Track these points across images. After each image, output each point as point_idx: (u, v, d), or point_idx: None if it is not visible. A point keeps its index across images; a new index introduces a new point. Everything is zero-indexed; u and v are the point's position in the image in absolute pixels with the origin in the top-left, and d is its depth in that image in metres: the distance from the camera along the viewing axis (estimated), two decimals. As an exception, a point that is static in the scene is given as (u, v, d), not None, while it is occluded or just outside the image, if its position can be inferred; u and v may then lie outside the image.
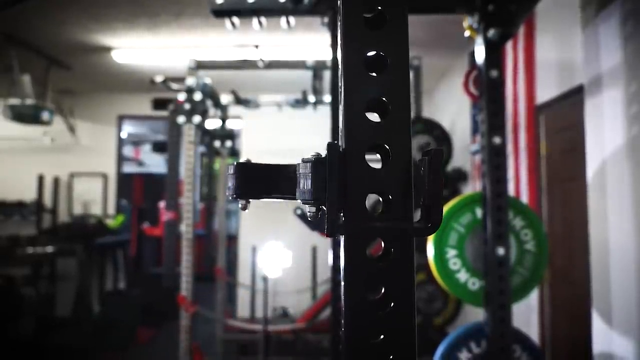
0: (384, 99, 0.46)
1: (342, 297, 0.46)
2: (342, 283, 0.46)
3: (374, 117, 0.46)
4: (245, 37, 3.72)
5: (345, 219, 0.44)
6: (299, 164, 0.50)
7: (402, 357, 0.44)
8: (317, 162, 0.45)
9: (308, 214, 0.49)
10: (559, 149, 2.57)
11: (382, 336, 0.44)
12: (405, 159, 0.45)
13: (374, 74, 0.46)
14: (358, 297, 0.45)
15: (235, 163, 0.59)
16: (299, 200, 0.54)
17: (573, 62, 2.30)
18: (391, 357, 0.44)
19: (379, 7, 0.46)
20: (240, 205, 0.58)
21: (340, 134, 0.47)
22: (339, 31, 0.48)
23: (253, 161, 0.59)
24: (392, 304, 0.44)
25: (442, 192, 0.43)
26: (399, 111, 0.46)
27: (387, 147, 0.45)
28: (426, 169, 0.44)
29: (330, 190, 0.44)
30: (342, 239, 0.47)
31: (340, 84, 0.47)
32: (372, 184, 0.45)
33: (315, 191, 0.45)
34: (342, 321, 0.45)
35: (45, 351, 4.51)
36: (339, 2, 0.48)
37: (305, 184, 0.47)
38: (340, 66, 0.47)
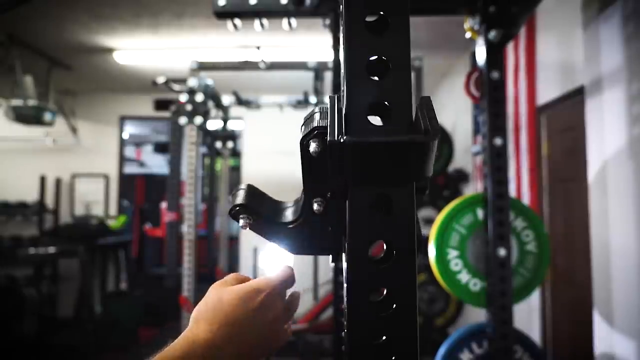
0: (385, 102, 0.46)
1: (345, 298, 0.46)
2: (345, 284, 0.46)
3: (376, 120, 0.46)
4: (247, 38, 3.73)
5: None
6: (305, 116, 0.51)
7: (404, 357, 0.44)
8: (322, 106, 0.49)
9: (311, 145, 0.48)
10: (560, 149, 2.57)
11: (384, 337, 0.45)
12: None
13: (375, 78, 0.46)
14: (361, 299, 0.45)
15: (246, 184, 0.60)
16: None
17: (574, 63, 2.30)
18: (394, 357, 0.44)
19: (381, 12, 0.47)
20: (241, 224, 0.58)
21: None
22: (341, 35, 0.48)
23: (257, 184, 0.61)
24: (395, 305, 0.45)
25: (435, 116, 0.45)
26: (400, 115, 0.46)
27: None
28: (420, 107, 0.46)
29: (332, 119, 0.46)
30: (344, 241, 0.47)
31: (342, 88, 0.47)
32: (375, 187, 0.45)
33: (321, 119, 0.48)
34: (345, 322, 0.46)
35: (48, 351, 4.52)
36: (341, 6, 0.48)
37: (310, 121, 0.49)
38: (342, 70, 0.47)
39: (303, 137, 0.48)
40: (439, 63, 4.45)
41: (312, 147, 0.47)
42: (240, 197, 0.59)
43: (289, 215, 0.58)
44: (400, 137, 0.43)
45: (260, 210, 0.58)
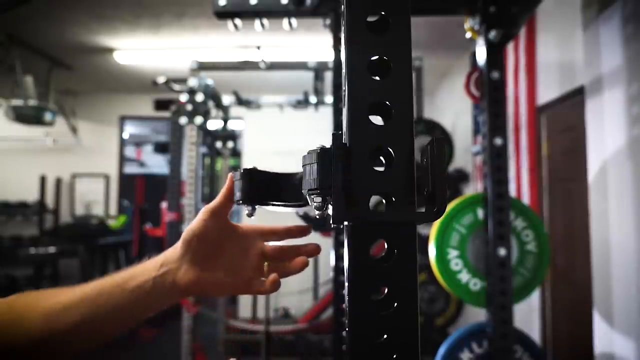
0: (387, 102, 0.46)
1: (347, 297, 0.46)
2: (346, 283, 0.47)
3: (377, 120, 0.47)
4: (247, 38, 3.74)
5: (351, 215, 0.46)
6: (305, 155, 0.51)
7: (405, 356, 0.45)
8: (322, 152, 0.47)
9: (313, 204, 0.50)
10: (560, 149, 2.58)
11: (385, 336, 0.45)
12: (408, 161, 0.46)
13: (377, 78, 0.47)
14: (362, 297, 0.45)
15: (242, 169, 0.60)
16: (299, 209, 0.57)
17: (574, 63, 2.30)
18: (395, 356, 0.44)
19: (382, 12, 0.47)
20: (246, 212, 0.60)
21: (344, 136, 0.47)
22: (342, 35, 0.49)
23: (259, 168, 0.61)
24: (396, 303, 0.45)
25: (445, 179, 0.45)
26: (401, 114, 0.46)
27: (390, 149, 0.46)
28: (429, 157, 0.45)
29: (336, 178, 0.45)
30: (345, 240, 0.47)
31: (344, 88, 0.48)
32: (376, 187, 0.46)
33: (321, 179, 0.46)
34: (347, 321, 0.46)
35: (48, 351, 4.52)
36: (342, 6, 0.48)
37: (311, 172, 0.48)
38: (344, 70, 0.47)
39: (307, 189, 0.50)
40: (439, 63, 4.46)
41: (315, 203, 0.49)
42: (240, 190, 0.60)
43: (291, 196, 0.59)
44: (406, 217, 0.45)
45: (262, 199, 0.60)
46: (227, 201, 0.62)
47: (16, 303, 0.60)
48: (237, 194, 0.61)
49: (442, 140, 0.45)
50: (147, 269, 0.62)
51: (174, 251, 0.63)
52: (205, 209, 0.62)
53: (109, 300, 0.59)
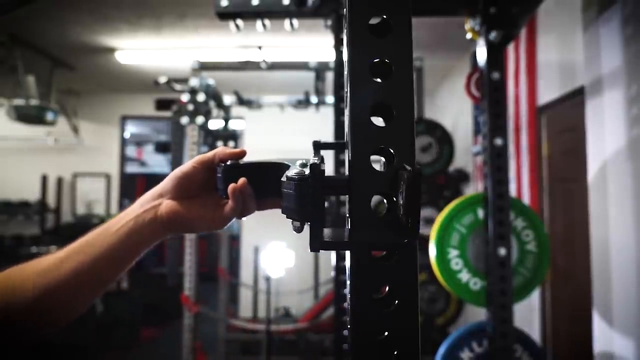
0: (388, 103, 0.47)
1: (349, 295, 0.47)
2: (348, 282, 0.48)
3: (379, 121, 0.48)
4: (249, 39, 3.74)
5: (351, 226, 0.46)
6: (284, 181, 0.51)
7: (406, 352, 0.46)
8: (300, 183, 0.48)
9: (292, 226, 0.51)
10: (561, 150, 2.58)
11: (386, 332, 0.46)
12: (409, 161, 0.47)
13: (378, 80, 0.48)
14: (364, 295, 0.46)
15: (223, 165, 0.61)
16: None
17: (574, 63, 2.31)
18: (395, 352, 0.45)
19: (384, 15, 0.48)
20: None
21: (346, 137, 0.48)
22: (345, 38, 0.50)
23: (246, 160, 0.61)
24: (397, 301, 0.46)
25: (418, 208, 0.42)
26: (403, 116, 0.47)
27: (392, 150, 0.47)
28: (404, 187, 0.43)
29: (314, 210, 0.46)
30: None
31: (346, 90, 0.49)
32: (377, 187, 0.47)
33: (299, 210, 0.48)
34: (349, 318, 0.47)
35: (49, 350, 4.53)
36: (345, 9, 0.49)
37: (289, 199, 0.50)
38: (346, 72, 0.48)
39: (286, 213, 0.52)
40: (440, 63, 4.46)
41: (294, 225, 0.51)
42: (221, 187, 0.63)
43: (277, 192, 0.59)
44: (391, 240, 0.47)
45: None
46: (219, 159, 0.65)
47: (11, 272, 0.64)
48: (220, 190, 0.62)
49: (417, 175, 0.41)
50: (128, 212, 0.66)
51: (156, 189, 0.67)
52: (198, 158, 0.66)
53: (97, 246, 0.63)
